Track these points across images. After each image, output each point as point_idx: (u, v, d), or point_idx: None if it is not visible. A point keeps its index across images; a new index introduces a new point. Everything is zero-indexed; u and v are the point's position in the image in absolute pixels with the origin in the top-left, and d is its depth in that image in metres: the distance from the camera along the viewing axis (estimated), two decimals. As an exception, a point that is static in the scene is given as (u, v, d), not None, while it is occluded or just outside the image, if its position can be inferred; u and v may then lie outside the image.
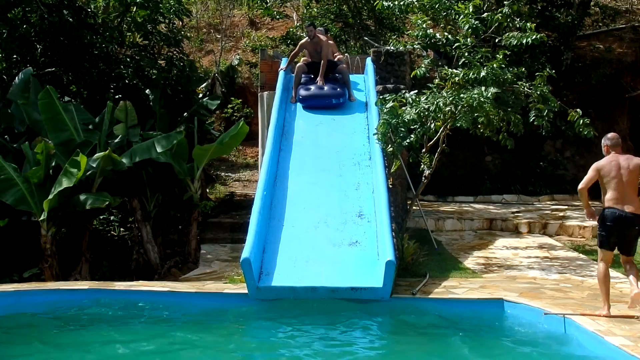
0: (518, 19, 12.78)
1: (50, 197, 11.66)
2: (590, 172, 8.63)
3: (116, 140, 13.67)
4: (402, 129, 11.38)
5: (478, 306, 9.18)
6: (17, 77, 14.30)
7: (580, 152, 18.77)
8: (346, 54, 17.01)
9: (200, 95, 17.57)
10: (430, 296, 9.53)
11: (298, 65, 14.43)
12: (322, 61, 14.22)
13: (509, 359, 7.60)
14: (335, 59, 14.66)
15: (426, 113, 11.17)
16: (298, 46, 15.02)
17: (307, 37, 14.79)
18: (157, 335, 8.38)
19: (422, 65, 13.03)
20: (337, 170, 12.16)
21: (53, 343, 8.17)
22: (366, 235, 10.57)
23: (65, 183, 11.70)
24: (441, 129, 11.69)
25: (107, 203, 12.27)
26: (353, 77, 14.85)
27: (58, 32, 14.94)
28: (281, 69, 14.79)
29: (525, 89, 11.42)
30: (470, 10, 12.54)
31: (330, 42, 15.27)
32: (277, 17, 24.01)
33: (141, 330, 8.59)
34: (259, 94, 15.60)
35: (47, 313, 9.31)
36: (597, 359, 7.25)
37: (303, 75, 14.42)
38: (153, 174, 13.85)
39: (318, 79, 14.09)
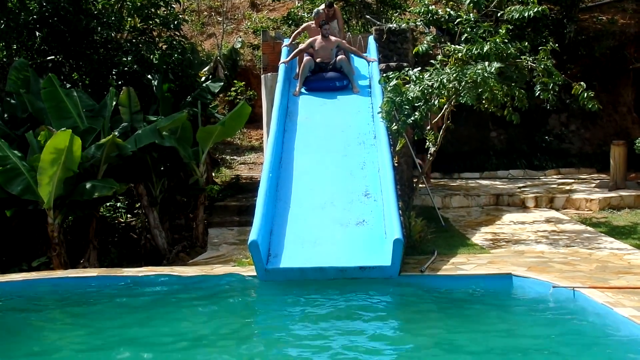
0: (520, -8, 12.71)
1: (47, 180, 11.60)
2: None
3: (120, 127, 13.66)
4: (406, 107, 11.34)
5: (487, 282, 9.17)
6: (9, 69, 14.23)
7: (586, 125, 18.69)
8: (348, 33, 16.94)
9: (203, 79, 17.54)
10: (438, 273, 9.53)
11: (306, 59, 14.00)
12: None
13: (519, 334, 7.60)
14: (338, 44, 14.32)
15: (430, 90, 11.13)
16: (306, 44, 14.34)
17: (319, 34, 14.16)
18: (168, 318, 8.40)
19: (425, 42, 12.99)
20: (343, 150, 12.14)
21: (64, 329, 8.21)
22: (373, 214, 10.57)
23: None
24: (445, 106, 11.65)
25: (114, 190, 12.29)
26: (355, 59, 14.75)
27: (56, 19, 14.89)
28: (282, 62, 14.41)
29: (529, 63, 11.37)
30: (472, -16, 12.48)
31: (338, 20, 15.13)
32: (278, -2, 23.92)
33: (150, 314, 8.60)
34: (262, 76, 15.54)
35: (57, 300, 9.36)
36: (607, 330, 7.26)
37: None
38: (158, 159, 13.84)
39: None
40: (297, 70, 14.27)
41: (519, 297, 8.80)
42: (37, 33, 15.30)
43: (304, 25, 15.18)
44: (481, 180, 17.37)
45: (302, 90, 13.87)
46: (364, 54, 14.45)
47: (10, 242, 13.28)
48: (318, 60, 14.00)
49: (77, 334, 8.07)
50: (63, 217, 12.42)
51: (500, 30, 11.41)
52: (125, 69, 15.42)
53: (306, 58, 13.96)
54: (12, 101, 14.03)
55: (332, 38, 14.15)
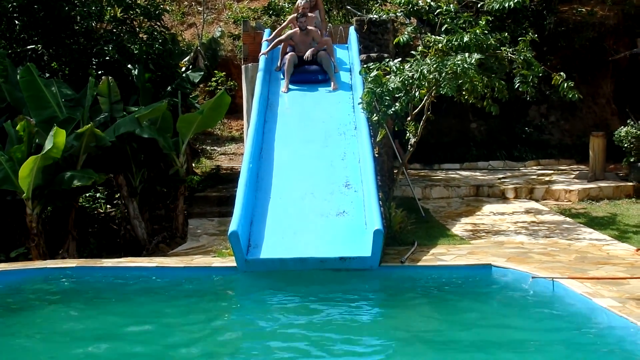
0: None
1: (27, 171, 11.51)
2: None
3: (100, 117, 13.57)
4: (387, 98, 11.34)
5: (466, 272, 9.21)
6: None
7: (565, 117, 18.77)
8: (329, 24, 16.90)
9: (183, 69, 17.46)
10: (418, 264, 9.54)
11: (290, 54, 13.86)
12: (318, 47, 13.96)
13: (498, 324, 7.62)
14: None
15: (410, 81, 11.13)
16: (285, 35, 14.20)
17: (297, 28, 14.05)
18: (148, 310, 8.37)
19: (405, 32, 12.98)
20: (323, 140, 12.12)
21: (43, 320, 8.16)
22: (353, 204, 10.56)
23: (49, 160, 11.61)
24: (426, 97, 11.66)
25: (93, 180, 12.22)
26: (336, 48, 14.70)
27: (36, 6, 14.75)
28: (262, 54, 14.29)
29: (509, 54, 11.40)
30: (452, -24, 12.48)
31: (320, 10, 15.05)
32: (259, -12, 23.82)
33: (131, 306, 8.57)
34: (242, 66, 15.50)
35: (35, 291, 9.29)
36: (585, 320, 7.30)
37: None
38: (138, 149, 13.77)
39: (307, 53, 13.85)
40: (279, 63, 14.21)
41: (498, 287, 8.83)
42: (16, 22, 15.14)
43: (290, 17, 15.04)
44: (461, 171, 17.43)
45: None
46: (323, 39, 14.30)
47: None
48: (299, 55, 13.97)
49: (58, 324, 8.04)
50: (42, 207, 12.34)
51: (480, 21, 11.43)
52: (106, 58, 15.31)
53: (290, 54, 13.87)
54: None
55: (311, 28, 14.09)
